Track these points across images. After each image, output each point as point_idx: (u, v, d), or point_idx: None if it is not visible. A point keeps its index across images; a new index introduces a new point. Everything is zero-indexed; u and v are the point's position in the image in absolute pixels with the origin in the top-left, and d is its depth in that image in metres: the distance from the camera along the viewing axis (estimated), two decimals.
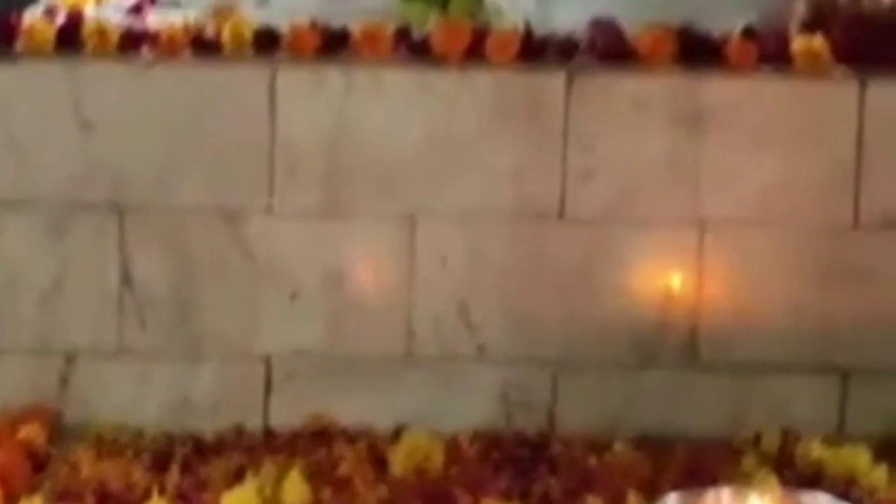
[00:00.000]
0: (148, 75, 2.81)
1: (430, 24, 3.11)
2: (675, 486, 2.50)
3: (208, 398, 2.68)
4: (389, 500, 2.61)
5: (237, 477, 2.62)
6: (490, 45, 2.97)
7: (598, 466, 2.78)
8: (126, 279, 2.62)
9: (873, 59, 2.88)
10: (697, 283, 2.85)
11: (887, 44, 2.89)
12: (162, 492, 2.55)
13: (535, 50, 2.96)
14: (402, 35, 2.97)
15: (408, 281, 2.85)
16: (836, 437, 2.84)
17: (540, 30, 3.04)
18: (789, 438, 2.77)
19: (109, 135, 2.78)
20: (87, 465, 2.64)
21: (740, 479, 2.65)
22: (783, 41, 2.97)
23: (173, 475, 2.61)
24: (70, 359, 2.72)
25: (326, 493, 2.65)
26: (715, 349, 2.91)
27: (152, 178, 2.76)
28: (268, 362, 2.80)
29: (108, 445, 2.74)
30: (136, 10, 3.20)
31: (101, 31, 2.98)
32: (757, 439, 2.77)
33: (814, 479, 2.71)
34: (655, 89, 2.87)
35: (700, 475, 2.65)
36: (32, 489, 2.38)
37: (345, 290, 2.84)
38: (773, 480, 2.59)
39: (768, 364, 2.91)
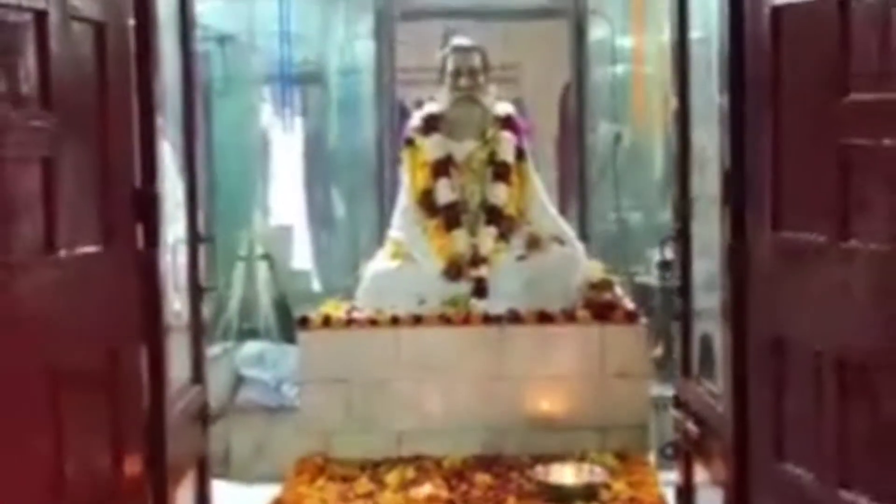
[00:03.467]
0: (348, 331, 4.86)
1: (450, 311, 4.87)
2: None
3: None
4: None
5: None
6: (474, 319, 4.82)
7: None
8: None
9: (605, 319, 4.77)
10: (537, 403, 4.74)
11: (611, 311, 4.81)
12: None
13: (487, 319, 4.81)
14: (443, 317, 4.83)
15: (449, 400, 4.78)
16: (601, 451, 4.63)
17: (491, 310, 4.83)
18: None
19: (340, 354, 4.81)
20: None
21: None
22: (574, 313, 4.80)
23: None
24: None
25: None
26: (552, 425, 4.73)
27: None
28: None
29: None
30: (352, 309, 4.97)
31: (327, 318, 4.86)
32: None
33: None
34: (531, 331, 4.77)
35: None
36: None
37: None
38: None
39: (582, 426, 4.73)
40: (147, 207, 3.11)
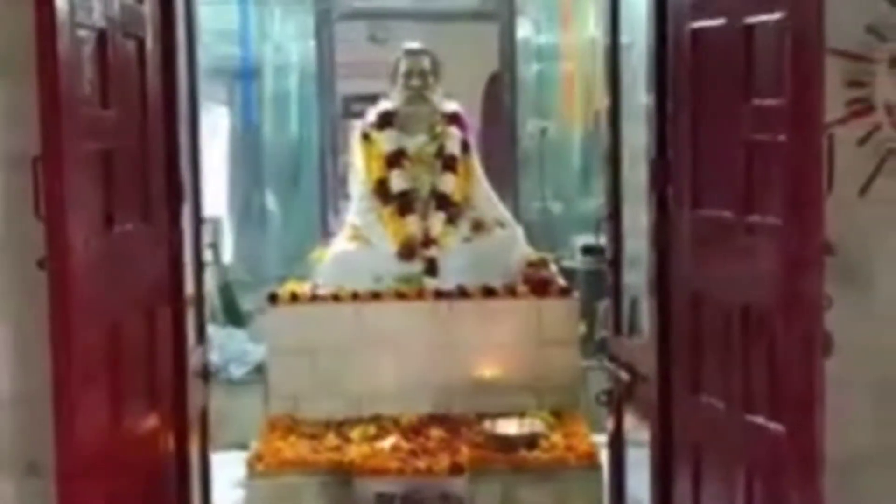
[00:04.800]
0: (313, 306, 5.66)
1: (404, 288, 5.59)
2: None
3: None
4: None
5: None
6: (426, 294, 5.57)
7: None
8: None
9: (542, 294, 5.62)
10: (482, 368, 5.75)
11: (547, 287, 5.67)
12: None
13: (438, 294, 5.56)
14: (398, 293, 5.56)
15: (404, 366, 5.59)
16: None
17: (441, 287, 5.60)
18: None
19: (306, 326, 5.59)
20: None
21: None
22: (514, 289, 5.59)
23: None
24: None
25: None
26: (495, 387, 5.52)
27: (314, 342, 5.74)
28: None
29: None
30: (315, 287, 5.63)
31: (294, 294, 5.68)
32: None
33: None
34: (476, 305, 5.57)
35: None
36: None
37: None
38: None
39: (521, 387, 5.47)
40: (172, 192, 3.80)
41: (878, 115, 3.57)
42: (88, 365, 3.14)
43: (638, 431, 4.25)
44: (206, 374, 4.36)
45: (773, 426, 3.32)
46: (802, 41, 3.18)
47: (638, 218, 4.23)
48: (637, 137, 4.26)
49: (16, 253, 3.28)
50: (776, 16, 3.28)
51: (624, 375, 4.24)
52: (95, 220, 3.25)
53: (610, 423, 4.63)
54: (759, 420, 3.38)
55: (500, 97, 8.39)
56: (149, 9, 3.63)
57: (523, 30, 8.48)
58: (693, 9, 3.70)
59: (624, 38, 4.63)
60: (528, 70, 8.43)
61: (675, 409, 3.79)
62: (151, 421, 3.66)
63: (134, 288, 3.52)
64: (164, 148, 3.81)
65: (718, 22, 3.55)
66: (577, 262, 7.79)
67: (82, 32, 3.17)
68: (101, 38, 3.29)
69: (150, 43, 3.63)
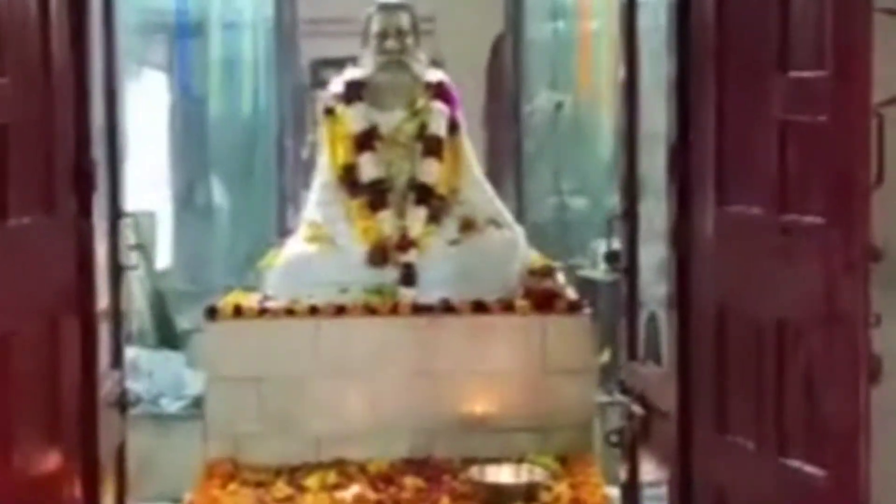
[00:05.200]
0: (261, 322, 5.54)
1: (375, 301, 5.54)
2: None
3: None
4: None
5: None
6: (402, 309, 5.50)
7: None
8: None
9: (546, 310, 5.55)
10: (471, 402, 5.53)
11: (552, 301, 5.56)
12: None
13: (417, 309, 5.52)
14: (367, 307, 5.51)
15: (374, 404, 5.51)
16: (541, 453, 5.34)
17: (420, 299, 5.54)
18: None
19: (252, 348, 5.52)
20: None
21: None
22: (512, 303, 5.58)
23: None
24: None
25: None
26: (487, 426, 5.45)
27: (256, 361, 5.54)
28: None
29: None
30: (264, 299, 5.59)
31: (238, 308, 5.58)
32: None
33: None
34: (465, 322, 5.54)
35: None
36: None
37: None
38: None
39: (519, 427, 5.43)
40: (82, 178, 3.98)
41: None
42: None
43: (656, 477, 4.42)
44: (123, 404, 4.52)
45: (811, 468, 3.47)
46: None
47: (658, 216, 4.42)
48: (660, 117, 4.41)
49: None
50: None
51: (637, 409, 4.39)
52: None
53: (623, 469, 4.79)
54: (795, 462, 3.54)
55: (506, 65, 8.53)
56: None
57: None
58: None
59: None
60: (539, 30, 8.54)
61: (697, 450, 3.95)
62: (52, 461, 3.81)
63: (32, 295, 3.69)
64: (74, 124, 3.97)
65: None
66: (600, 271, 7.78)
67: None
68: None
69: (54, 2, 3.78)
